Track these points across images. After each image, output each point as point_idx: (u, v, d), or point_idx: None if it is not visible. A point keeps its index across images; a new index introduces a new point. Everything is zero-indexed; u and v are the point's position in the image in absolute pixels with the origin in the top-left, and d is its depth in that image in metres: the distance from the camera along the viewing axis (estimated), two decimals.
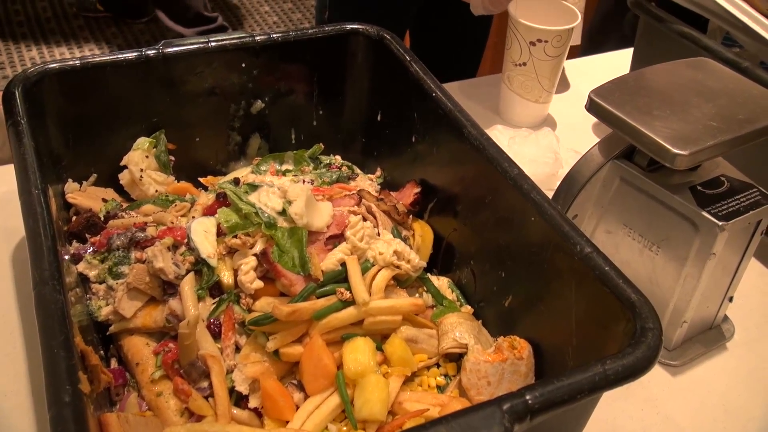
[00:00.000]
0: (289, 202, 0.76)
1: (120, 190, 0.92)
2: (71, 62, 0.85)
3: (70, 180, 0.89)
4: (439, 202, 0.89)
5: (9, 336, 0.81)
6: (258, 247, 0.75)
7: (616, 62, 1.34)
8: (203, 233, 0.76)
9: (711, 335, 0.86)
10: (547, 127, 1.13)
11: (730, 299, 0.84)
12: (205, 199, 0.82)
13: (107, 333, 0.75)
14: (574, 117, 1.20)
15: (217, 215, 0.77)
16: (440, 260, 0.88)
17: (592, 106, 0.76)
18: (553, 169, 1.05)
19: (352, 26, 0.96)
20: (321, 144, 0.99)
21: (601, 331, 0.66)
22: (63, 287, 0.60)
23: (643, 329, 0.59)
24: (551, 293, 0.73)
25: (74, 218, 0.84)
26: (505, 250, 0.78)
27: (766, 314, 0.91)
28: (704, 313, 0.84)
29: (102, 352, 0.74)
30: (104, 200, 0.88)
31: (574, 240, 0.67)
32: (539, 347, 0.74)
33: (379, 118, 0.99)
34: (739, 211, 0.74)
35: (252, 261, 0.74)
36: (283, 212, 0.76)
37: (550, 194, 1.04)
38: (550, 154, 1.05)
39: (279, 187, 0.79)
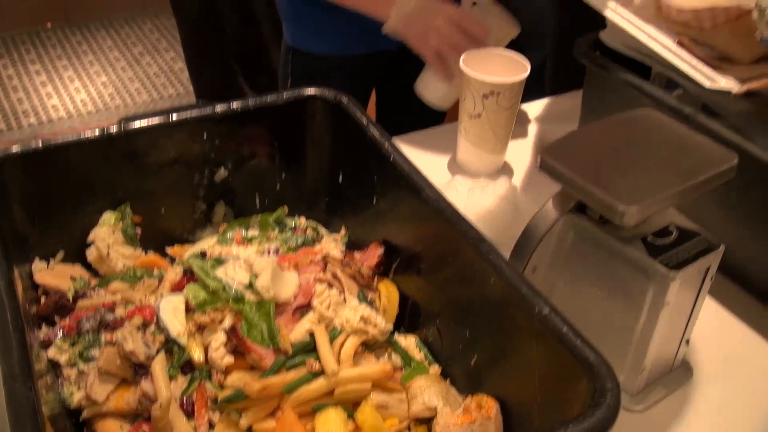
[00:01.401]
0: (256, 275, 0.76)
1: (88, 265, 0.91)
2: (33, 145, 0.85)
3: (37, 259, 0.89)
4: (402, 262, 0.90)
5: None
6: (227, 323, 0.75)
7: (573, 103, 1.37)
8: (172, 311, 0.76)
9: (671, 377, 0.88)
10: (505, 175, 1.15)
11: (687, 342, 0.86)
12: (173, 274, 0.82)
13: (80, 419, 0.74)
14: (530, 165, 1.22)
15: (184, 291, 0.78)
16: (407, 318, 0.89)
17: (543, 166, 0.78)
18: (510, 219, 1.06)
19: (309, 91, 0.97)
20: (285, 207, 1.00)
21: (564, 389, 0.67)
22: (33, 383, 0.60)
23: (602, 390, 0.61)
24: (514, 352, 0.74)
25: (43, 300, 0.84)
26: (468, 309, 0.80)
27: (722, 354, 0.93)
28: (663, 357, 0.86)
29: None
30: (72, 278, 0.88)
31: (533, 301, 0.69)
32: (506, 405, 0.75)
33: (340, 179, 1.00)
34: (688, 259, 0.77)
35: (222, 337, 0.74)
36: (250, 285, 0.76)
37: (511, 243, 1.06)
38: (508, 204, 1.07)
39: (245, 260, 0.79)
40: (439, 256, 0.83)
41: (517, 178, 1.19)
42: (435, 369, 0.82)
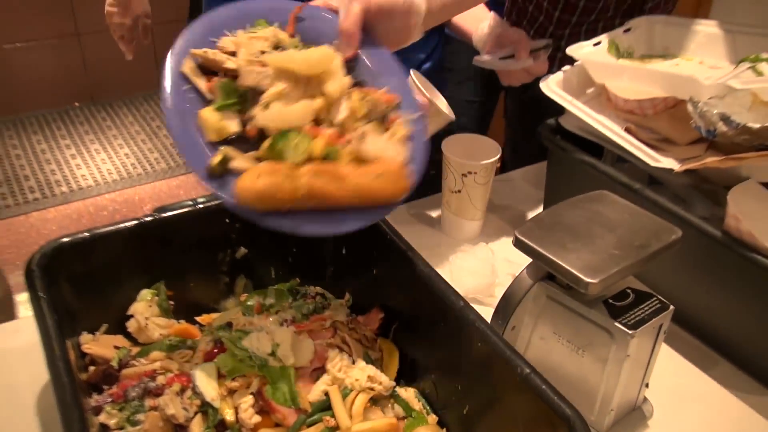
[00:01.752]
0: (277, 345, 0.79)
1: (128, 335, 0.93)
2: (81, 235, 0.88)
3: (84, 332, 0.91)
4: (400, 324, 0.93)
5: None
6: (254, 387, 0.78)
7: (537, 174, 1.42)
8: (206, 378, 0.78)
9: (635, 416, 0.91)
10: (482, 241, 1.19)
11: (647, 385, 0.89)
12: (204, 345, 0.85)
13: None
14: (504, 231, 1.27)
15: (216, 360, 0.80)
16: (406, 373, 0.92)
17: (517, 243, 0.82)
18: (490, 279, 1.10)
19: None
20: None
21: None
22: None
23: None
24: (501, 403, 0.77)
25: (91, 370, 0.86)
26: (458, 366, 0.83)
27: (677, 392, 0.96)
28: (627, 399, 0.89)
29: None
30: (116, 347, 0.90)
31: (515, 362, 0.72)
32: None
33: (343, 251, 1.03)
34: (644, 319, 0.80)
35: (250, 399, 0.77)
36: (272, 354, 0.79)
37: (490, 300, 1.10)
38: (487, 266, 1.11)
39: (267, 331, 0.82)
40: (432, 320, 0.86)
41: (493, 242, 1.23)
42: (432, 418, 0.85)
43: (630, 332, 0.78)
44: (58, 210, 3.01)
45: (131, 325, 0.93)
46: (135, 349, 0.90)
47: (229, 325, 0.87)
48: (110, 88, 3.81)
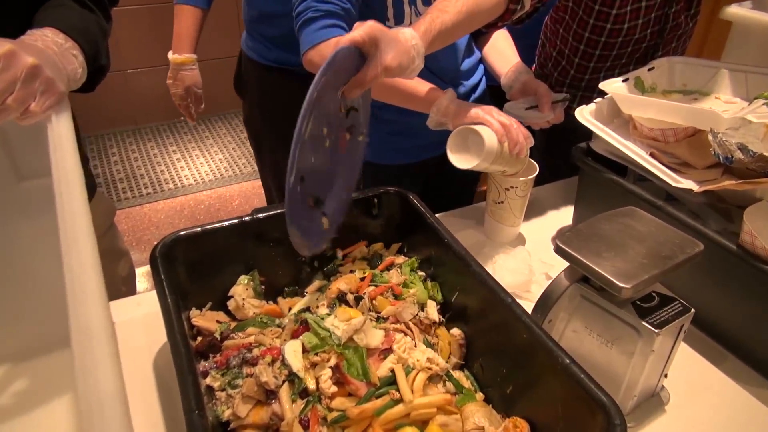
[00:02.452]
0: (355, 330, 0.77)
1: (228, 312, 0.93)
2: (195, 230, 0.88)
3: (193, 308, 0.91)
4: (453, 314, 0.90)
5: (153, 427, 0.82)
6: (332, 362, 0.76)
7: (566, 190, 1.37)
8: (293, 353, 0.77)
9: (653, 401, 0.86)
10: (520, 244, 1.16)
11: (665, 375, 0.85)
12: (291, 324, 0.84)
13: (228, 429, 0.76)
14: (540, 235, 1.23)
15: (301, 338, 0.79)
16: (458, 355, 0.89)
17: (558, 251, 0.78)
18: (527, 277, 1.06)
19: (385, 189, 0.99)
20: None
21: (583, 421, 0.66)
22: (205, 413, 0.61)
23: (611, 425, 0.60)
24: (541, 387, 0.74)
25: (199, 340, 0.86)
26: (504, 353, 0.80)
27: (691, 382, 0.91)
28: (648, 387, 0.84)
29: None
30: (218, 321, 0.90)
31: (556, 353, 0.69)
32: (535, 426, 0.74)
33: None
34: (668, 320, 0.76)
35: (328, 372, 0.75)
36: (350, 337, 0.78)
37: (528, 295, 1.06)
38: (525, 266, 1.07)
39: (345, 317, 0.80)
40: (482, 312, 0.84)
41: (528, 245, 1.19)
42: (480, 395, 0.82)
43: (656, 331, 0.74)
44: (165, 203, 3.07)
45: (231, 304, 0.92)
46: (233, 324, 0.90)
47: (308, 309, 0.86)
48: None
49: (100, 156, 3.46)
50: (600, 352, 0.82)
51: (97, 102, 3.57)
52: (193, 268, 0.90)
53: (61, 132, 0.65)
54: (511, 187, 1.11)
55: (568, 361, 0.67)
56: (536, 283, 1.07)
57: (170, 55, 1.63)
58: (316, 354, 0.77)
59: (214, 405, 0.76)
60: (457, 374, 0.83)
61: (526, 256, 1.09)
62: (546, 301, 0.86)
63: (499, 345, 0.80)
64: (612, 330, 0.79)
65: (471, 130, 1.00)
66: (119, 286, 1.17)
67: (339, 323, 0.79)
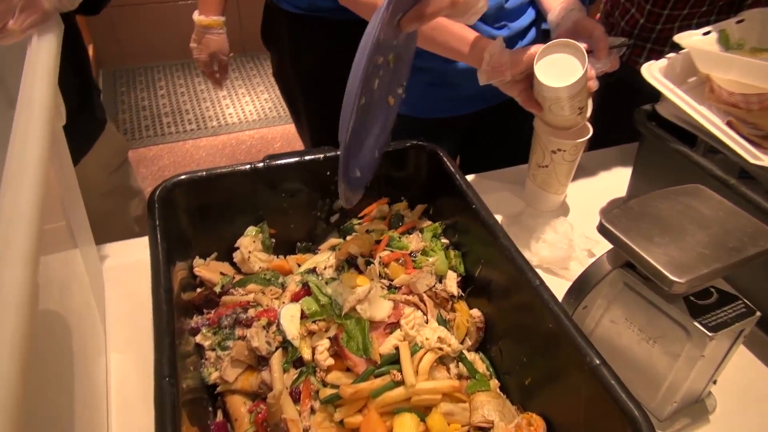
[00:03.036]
0: (358, 299, 0.70)
1: (233, 264, 0.87)
2: (199, 173, 0.82)
3: (197, 257, 0.86)
4: (475, 289, 0.81)
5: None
6: (331, 332, 0.69)
7: (622, 157, 1.23)
8: (290, 318, 0.71)
9: (696, 408, 0.76)
10: (563, 214, 1.04)
11: (714, 381, 0.74)
12: (293, 286, 0.77)
13: (215, 392, 0.71)
14: (586, 206, 1.10)
15: (301, 302, 0.72)
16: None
17: (602, 230, 0.67)
18: (567, 252, 0.96)
19: (412, 142, 0.89)
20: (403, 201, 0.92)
21: (608, 427, 0.57)
22: (177, 382, 0.56)
23: None
24: (563, 384, 0.64)
25: (198, 291, 0.80)
26: (526, 340, 0.71)
27: (744, 390, 0.80)
28: (691, 393, 0.74)
29: (211, 408, 0.70)
30: (222, 274, 0.84)
31: (585, 351, 0.59)
32: (552, 424, 0.66)
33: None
34: (726, 322, 0.65)
35: (326, 343, 0.69)
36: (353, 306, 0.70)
37: (564, 272, 0.96)
38: (565, 240, 0.96)
39: (350, 284, 0.73)
40: (506, 291, 0.74)
41: (573, 218, 1.07)
42: (494, 383, 0.74)
43: (709, 334, 0.63)
44: (208, 140, 3.05)
45: (236, 256, 0.86)
46: (238, 277, 0.84)
47: (313, 271, 0.78)
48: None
49: (147, 88, 3.46)
50: (639, 349, 0.72)
51: (147, 33, 3.54)
52: (198, 214, 0.84)
53: (40, 55, 0.58)
54: (558, 150, 0.99)
55: (598, 362, 0.58)
56: (576, 261, 0.97)
57: (195, 16, 1.51)
58: (315, 322, 0.70)
59: (202, 365, 0.71)
60: (471, 356, 0.75)
61: (568, 229, 0.98)
62: (583, 284, 0.75)
63: (522, 330, 0.71)
64: (657, 326, 0.69)
65: (568, 44, 0.84)
66: (132, 225, 1.14)
67: (343, 290, 0.71)
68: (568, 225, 0.99)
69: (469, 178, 0.83)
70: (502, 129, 1.30)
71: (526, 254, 0.95)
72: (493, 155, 1.31)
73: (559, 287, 0.75)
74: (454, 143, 1.28)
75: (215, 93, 3.44)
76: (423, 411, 0.67)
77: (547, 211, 1.08)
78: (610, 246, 0.70)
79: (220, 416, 0.70)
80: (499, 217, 0.76)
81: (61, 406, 0.55)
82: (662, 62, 0.97)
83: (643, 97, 1.00)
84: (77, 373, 0.63)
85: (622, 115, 1.04)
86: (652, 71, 0.95)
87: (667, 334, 0.68)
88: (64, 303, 0.61)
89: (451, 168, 0.84)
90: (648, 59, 0.97)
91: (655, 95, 0.96)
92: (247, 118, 3.24)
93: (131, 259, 0.95)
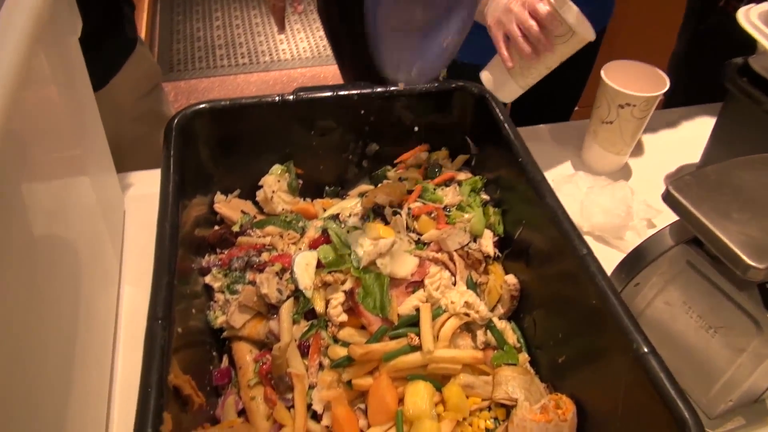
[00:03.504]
0: (380, 253, 0.63)
1: (256, 204, 0.83)
2: (222, 102, 0.76)
3: (218, 192, 0.81)
4: (513, 252, 0.74)
5: None
6: (347, 285, 0.64)
7: (700, 118, 1.10)
8: (305, 266, 0.65)
9: (754, 409, 0.67)
10: (623, 178, 0.94)
11: None
12: (312, 232, 0.71)
13: (221, 336, 0.67)
14: (651, 170, 0.99)
15: (318, 250, 0.67)
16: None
17: (668, 199, 0.58)
18: (624, 221, 0.86)
19: (457, 83, 0.80)
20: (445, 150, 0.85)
21: (648, 423, 0.50)
22: (170, 324, 0.52)
23: None
24: (601, 369, 0.57)
25: (215, 229, 0.76)
26: (564, 315, 0.63)
27: None
28: (752, 391, 0.65)
29: (216, 353, 0.66)
30: (243, 212, 0.80)
31: (632, 336, 0.51)
32: (583, 410, 0.59)
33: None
34: None
35: (340, 297, 0.63)
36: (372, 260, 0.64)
37: (620, 243, 0.87)
38: (623, 207, 0.86)
39: (374, 234, 0.67)
40: (548, 257, 0.66)
41: (635, 183, 0.97)
42: (524, 357, 0.67)
43: None
44: (259, 75, 3.01)
45: (259, 195, 0.81)
46: (259, 218, 0.80)
47: (335, 217, 0.73)
48: None
49: (203, 18, 3.42)
50: (696, 338, 0.63)
51: None
52: (220, 147, 0.79)
53: None
54: (627, 104, 0.87)
55: (646, 350, 0.50)
56: (633, 231, 0.87)
57: None
58: (331, 273, 0.64)
59: (210, 308, 0.67)
60: (501, 325, 0.68)
61: (628, 195, 0.88)
62: (638, 258, 0.67)
63: (561, 303, 0.64)
64: (720, 314, 0.60)
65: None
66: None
67: (364, 241, 0.65)
68: (628, 190, 0.89)
69: (521, 130, 0.74)
70: (562, 78, 1.18)
71: (576, 219, 0.87)
72: (552, 108, 1.20)
73: (610, 259, 0.67)
74: None
75: (270, 27, 3.36)
76: (440, 380, 0.61)
77: (605, 172, 0.97)
78: (675, 218, 0.61)
79: (225, 362, 0.67)
80: (549, 176, 0.68)
81: (58, 329, 0.53)
82: (763, 6, 0.83)
83: (735, 48, 0.86)
84: (80, 301, 0.60)
85: (708, 70, 0.91)
86: (750, 16, 0.81)
87: (732, 325, 0.59)
88: (61, 230, 0.57)
89: (500, 114, 0.75)
90: (749, 2, 0.83)
91: (750, 46, 0.82)
92: (300, 55, 3.17)
93: (156, 190, 0.92)
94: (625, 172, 0.99)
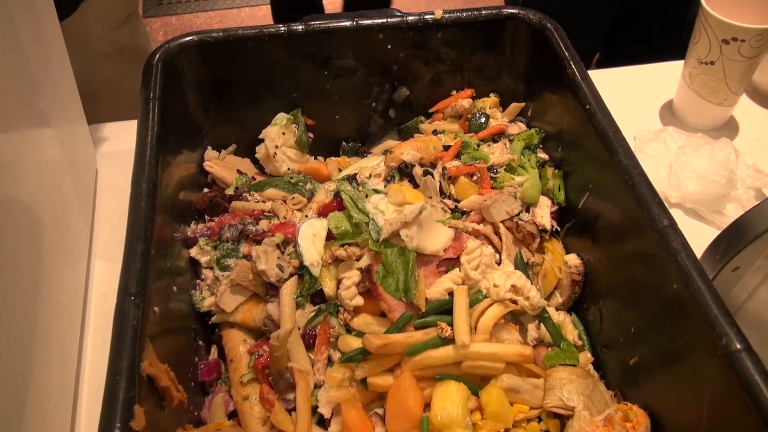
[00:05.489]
0: (405, 222, 0.64)
1: (256, 162, 0.84)
2: (214, 34, 0.77)
3: (210, 147, 0.83)
4: (577, 226, 0.73)
5: None
6: (364, 261, 0.65)
7: None
8: (311, 237, 0.66)
9: None
10: (726, 136, 0.91)
11: None
12: (323, 195, 0.72)
13: (209, 322, 0.69)
14: (760, 124, 0.97)
15: (329, 218, 0.67)
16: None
17: None
18: (724, 189, 0.84)
19: (510, 11, 0.79)
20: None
21: None
22: (145, 302, 0.53)
23: None
24: (684, 373, 0.57)
25: (204, 192, 0.78)
26: (638, 305, 0.62)
27: None
28: None
29: (202, 342, 0.68)
30: (239, 172, 0.81)
31: (722, 330, 0.51)
32: (659, 422, 0.59)
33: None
34: None
35: (354, 276, 0.64)
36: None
37: (716, 217, 0.85)
38: (723, 172, 0.85)
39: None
40: (620, 231, 0.66)
41: (742, 142, 0.94)
42: (586, 357, 0.67)
43: None
44: (268, 9, 3.01)
45: (260, 151, 0.83)
46: (259, 179, 0.81)
47: (351, 178, 0.73)
48: None
49: None
50: None
51: None
52: (213, 91, 0.80)
53: None
54: (734, 39, 0.85)
55: (738, 346, 0.49)
56: (736, 202, 0.85)
57: None
58: (343, 246, 0.65)
59: (195, 287, 0.69)
60: (559, 317, 0.69)
61: (731, 156, 0.86)
62: (738, 235, 0.65)
63: (635, 290, 0.63)
64: None
65: None
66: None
67: (386, 207, 0.66)
68: (732, 151, 0.87)
69: (592, 74, 0.73)
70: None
71: (661, 187, 0.86)
72: (636, 44, 1.18)
73: (703, 237, 0.68)
74: (601, 25, 1.16)
75: None
76: (477, 382, 0.62)
77: (703, 128, 0.95)
78: None
79: (214, 353, 0.69)
80: (628, 132, 0.67)
81: (13, 309, 0.55)
82: None
83: None
84: (40, 277, 0.62)
85: None
86: None
87: None
88: (16, 192, 0.59)
89: (564, 51, 0.74)
90: None
91: None
92: None
93: (129, 145, 0.94)
94: (729, 129, 0.97)
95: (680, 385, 0.57)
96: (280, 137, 0.82)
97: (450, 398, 0.59)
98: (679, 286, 0.55)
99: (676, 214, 0.79)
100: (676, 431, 0.57)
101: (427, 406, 0.60)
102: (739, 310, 0.66)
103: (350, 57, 0.81)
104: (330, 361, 0.64)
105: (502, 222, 0.70)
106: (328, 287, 0.65)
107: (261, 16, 3.01)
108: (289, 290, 0.65)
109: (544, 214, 0.72)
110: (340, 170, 0.82)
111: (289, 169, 0.82)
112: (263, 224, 0.70)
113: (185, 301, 0.67)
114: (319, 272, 0.65)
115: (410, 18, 0.79)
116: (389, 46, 0.80)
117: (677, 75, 0.97)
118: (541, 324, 0.67)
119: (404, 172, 0.73)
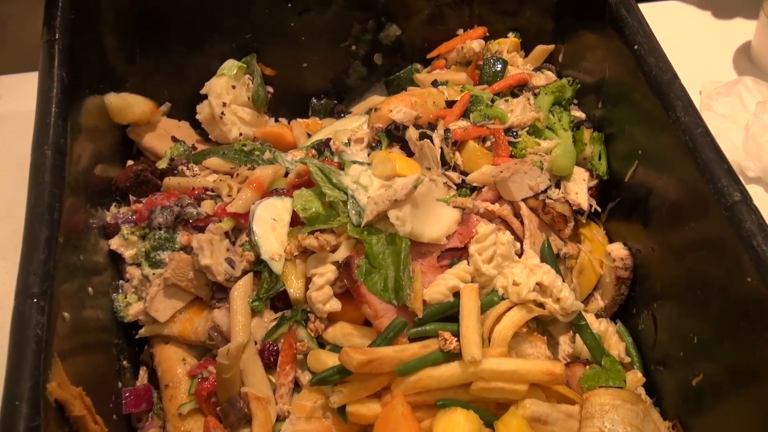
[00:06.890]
0: (396, 200, 0.65)
1: (197, 125, 0.86)
2: None
3: None
4: (623, 204, 0.75)
5: None
6: (341, 254, 0.66)
7: None
8: (270, 222, 0.68)
9: None
10: None
11: None
12: (287, 170, 0.74)
13: (136, 336, 0.70)
14: None
15: (294, 197, 0.69)
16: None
17: None
18: None
19: None
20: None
21: None
22: (52, 305, 0.54)
23: None
24: (763, 396, 0.58)
25: (128, 165, 0.80)
26: (702, 305, 0.64)
27: None
28: None
29: (125, 362, 0.70)
30: (174, 139, 0.83)
31: None
32: None
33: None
34: None
35: (329, 272, 0.66)
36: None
37: None
38: None
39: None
40: (679, 211, 0.68)
41: None
42: (635, 377, 0.69)
43: None
44: None
45: (202, 111, 0.85)
46: (200, 147, 0.83)
47: (324, 144, 0.76)
48: None
49: None
50: None
51: None
52: (136, 34, 0.82)
53: None
54: None
55: None
56: None
57: None
58: (314, 233, 0.67)
59: (119, 289, 0.71)
60: (600, 326, 0.71)
61: None
62: None
63: (699, 287, 0.65)
64: None
65: None
66: None
67: (370, 181, 0.68)
68: None
69: (644, 7, 0.75)
70: None
71: (735, 154, 0.88)
72: None
73: None
74: None
75: None
76: (492, 409, 0.64)
77: None
78: None
79: (144, 378, 0.71)
80: (691, 83, 0.68)
81: None
82: None
83: None
84: None
85: None
86: None
87: None
88: None
89: None
90: None
91: None
92: None
93: (30, 105, 0.95)
94: None
95: (759, 412, 0.59)
96: (229, 92, 0.84)
97: (457, 429, 0.60)
98: (754, 280, 0.56)
99: (755, 191, 0.81)
100: None
101: None
102: None
103: None
104: (297, 385, 0.66)
105: (524, 201, 0.72)
106: (294, 288, 0.66)
107: None
108: (242, 292, 0.66)
109: (579, 190, 0.74)
110: (309, 135, 0.84)
111: (241, 134, 0.83)
112: (207, 206, 0.72)
113: (104, 307, 0.68)
114: (282, 268, 0.66)
115: None
116: None
117: (756, 9, 0.99)
118: (577, 335, 0.69)
119: (394, 135, 0.75)
